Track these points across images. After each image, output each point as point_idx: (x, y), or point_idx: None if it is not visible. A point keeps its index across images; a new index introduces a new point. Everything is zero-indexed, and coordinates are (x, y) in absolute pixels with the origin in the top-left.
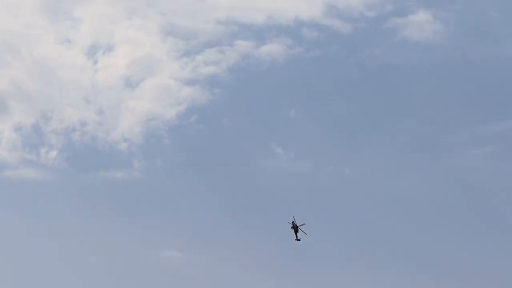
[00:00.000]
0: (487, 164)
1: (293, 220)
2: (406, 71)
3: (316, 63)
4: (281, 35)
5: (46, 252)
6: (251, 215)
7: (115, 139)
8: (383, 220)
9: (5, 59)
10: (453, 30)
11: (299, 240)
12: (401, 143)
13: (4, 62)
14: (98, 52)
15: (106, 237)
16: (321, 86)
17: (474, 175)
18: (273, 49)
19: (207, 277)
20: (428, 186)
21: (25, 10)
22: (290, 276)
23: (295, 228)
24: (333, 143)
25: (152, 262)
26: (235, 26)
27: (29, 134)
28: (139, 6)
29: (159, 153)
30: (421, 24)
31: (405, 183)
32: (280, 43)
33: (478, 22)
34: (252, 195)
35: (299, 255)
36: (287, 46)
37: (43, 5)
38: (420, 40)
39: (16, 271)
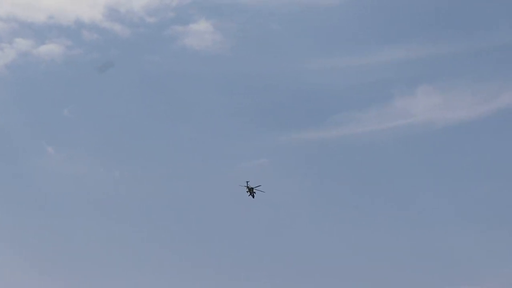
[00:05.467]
0: (258, 176)
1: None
2: (184, 79)
3: (95, 65)
4: (61, 35)
5: None
6: (21, 213)
7: None
8: (154, 223)
9: None
10: (234, 41)
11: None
12: (176, 149)
13: None
14: None
15: None
16: (98, 88)
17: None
18: (52, 49)
19: None
20: (200, 192)
21: None
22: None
23: (250, 190)
24: (106, 146)
25: None
26: (15, 24)
27: None
28: None
29: None
30: (201, 33)
31: (177, 188)
32: (60, 43)
33: (259, 35)
34: (21, 193)
35: (76, 255)
36: (66, 47)
37: None
38: (199, 49)
39: None
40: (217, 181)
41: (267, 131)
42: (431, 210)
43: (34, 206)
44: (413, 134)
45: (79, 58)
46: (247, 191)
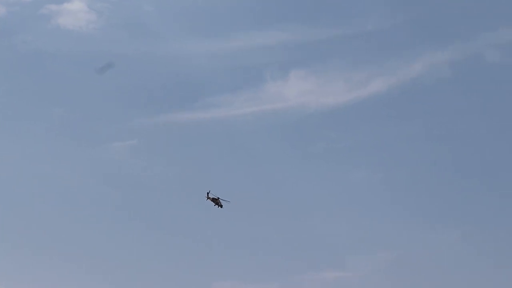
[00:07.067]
0: (128, 157)
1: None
2: (57, 59)
3: None
4: None
5: None
6: None
7: None
8: (24, 205)
9: None
10: (107, 21)
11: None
12: (48, 131)
13: None
14: None
15: None
16: None
17: (117, 167)
18: None
19: None
20: (70, 172)
21: None
22: None
23: (214, 201)
24: None
25: None
26: None
27: None
28: None
29: None
30: (75, 12)
31: (47, 169)
32: None
33: (133, 15)
34: None
35: None
36: None
37: None
38: (73, 29)
39: None
40: (87, 162)
41: (138, 112)
42: (300, 195)
43: None
44: (285, 118)
45: None
46: (211, 201)
